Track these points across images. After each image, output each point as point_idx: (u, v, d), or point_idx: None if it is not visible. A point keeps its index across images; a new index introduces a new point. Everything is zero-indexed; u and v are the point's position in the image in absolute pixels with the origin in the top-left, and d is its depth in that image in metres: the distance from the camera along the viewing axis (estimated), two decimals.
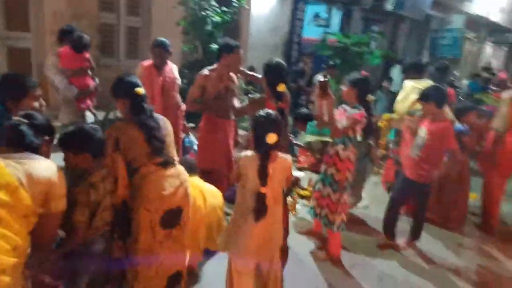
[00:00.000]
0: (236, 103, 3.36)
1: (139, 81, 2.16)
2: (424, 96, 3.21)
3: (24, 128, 1.55)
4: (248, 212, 2.04)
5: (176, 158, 2.16)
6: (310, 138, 4.11)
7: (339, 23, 9.87)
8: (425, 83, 3.83)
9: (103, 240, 1.92)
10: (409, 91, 3.98)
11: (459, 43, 11.57)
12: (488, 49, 15.68)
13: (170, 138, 2.13)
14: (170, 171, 2.03)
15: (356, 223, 3.89)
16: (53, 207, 1.47)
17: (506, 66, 15.61)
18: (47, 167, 1.47)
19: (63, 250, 1.76)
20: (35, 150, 1.53)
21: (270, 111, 2.17)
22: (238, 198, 2.14)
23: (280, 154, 2.13)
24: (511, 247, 3.72)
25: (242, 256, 2.11)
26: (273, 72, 2.84)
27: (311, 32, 9.19)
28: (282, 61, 2.95)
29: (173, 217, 2.02)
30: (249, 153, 2.10)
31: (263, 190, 2.00)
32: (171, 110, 3.63)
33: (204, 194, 2.49)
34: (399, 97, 4.15)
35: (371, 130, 3.25)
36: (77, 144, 1.85)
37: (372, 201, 4.41)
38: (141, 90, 2.06)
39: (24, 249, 1.38)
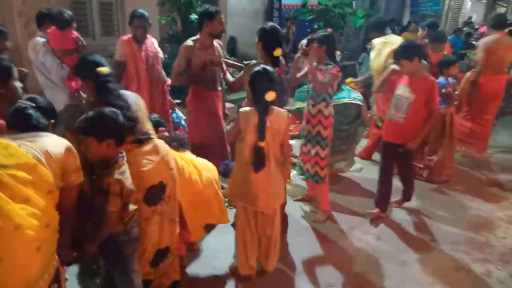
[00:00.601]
0: (229, 76, 3.28)
1: (102, 60, 2.04)
2: (407, 53, 2.99)
3: (31, 110, 1.57)
4: (248, 164, 2.22)
5: (152, 133, 2.08)
6: (299, 104, 4.07)
7: None
8: (394, 38, 3.97)
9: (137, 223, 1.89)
10: (380, 47, 4.04)
11: None
12: (468, 3, 15.57)
13: (142, 113, 2.05)
14: (147, 147, 1.96)
15: (351, 187, 3.92)
16: (73, 180, 1.50)
17: (486, 19, 15.58)
18: (59, 142, 1.48)
19: (96, 240, 1.69)
20: (43, 131, 1.53)
21: (267, 67, 2.27)
22: (238, 152, 2.30)
23: (276, 108, 2.26)
24: (498, 196, 3.83)
25: (250, 203, 2.30)
26: (269, 37, 2.77)
27: None
28: (277, 25, 2.88)
29: (156, 193, 1.98)
30: (247, 108, 2.25)
31: (261, 144, 2.16)
32: (157, 85, 3.50)
33: (199, 168, 2.43)
34: (372, 55, 4.21)
35: (339, 83, 3.27)
36: (102, 130, 1.67)
37: (365, 163, 4.43)
38: (104, 69, 1.96)
39: (54, 226, 1.39)
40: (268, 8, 8.41)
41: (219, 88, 3.43)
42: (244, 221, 2.38)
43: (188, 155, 2.52)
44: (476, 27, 9.76)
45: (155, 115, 2.65)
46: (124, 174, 1.70)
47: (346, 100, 3.75)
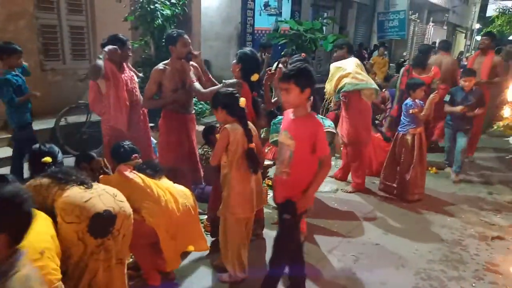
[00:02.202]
0: (197, 84, 3.16)
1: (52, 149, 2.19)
2: (290, 77, 2.16)
3: None
4: (247, 171, 2.41)
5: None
6: (276, 137, 4.06)
7: (289, 10, 9.90)
8: (347, 62, 4.09)
9: None
10: (333, 71, 4.15)
11: (404, 24, 12.05)
12: (431, 29, 16.49)
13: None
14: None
15: (327, 208, 3.92)
16: None
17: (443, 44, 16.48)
18: None
19: None
20: None
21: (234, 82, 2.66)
22: (234, 167, 2.41)
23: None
24: (469, 213, 3.93)
25: (250, 210, 2.49)
26: (249, 61, 2.82)
27: (263, 22, 9.15)
28: (255, 51, 2.95)
29: (103, 223, 1.85)
30: (228, 125, 2.39)
31: (251, 145, 2.40)
32: (137, 108, 3.44)
33: (175, 195, 2.37)
34: (328, 80, 4.29)
35: (316, 108, 3.28)
36: None
37: (341, 184, 4.48)
38: (48, 159, 2.06)
39: None
40: (241, 33, 8.57)
41: (192, 112, 3.41)
42: (239, 232, 2.51)
43: (164, 181, 2.45)
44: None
45: (127, 142, 2.60)
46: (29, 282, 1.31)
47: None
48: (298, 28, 7.45)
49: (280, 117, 3.47)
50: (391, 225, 3.61)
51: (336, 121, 4.40)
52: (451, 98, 4.76)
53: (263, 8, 9.25)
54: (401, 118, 4.21)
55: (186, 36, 3.21)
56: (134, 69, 3.65)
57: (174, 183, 2.54)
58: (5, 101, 3.60)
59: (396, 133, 4.27)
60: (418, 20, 14.81)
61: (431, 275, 2.85)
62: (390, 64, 10.07)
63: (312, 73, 2.23)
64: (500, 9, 17.71)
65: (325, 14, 10.70)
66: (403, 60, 9.89)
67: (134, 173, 2.27)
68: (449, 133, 4.94)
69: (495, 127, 3.15)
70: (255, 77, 2.75)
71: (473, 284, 2.76)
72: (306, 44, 7.31)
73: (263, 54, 6.41)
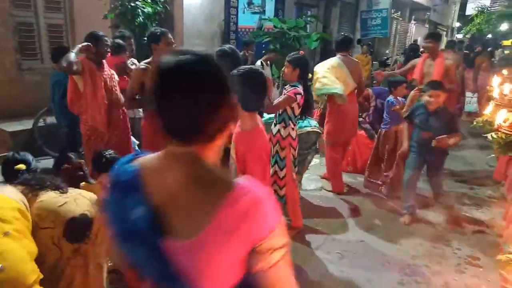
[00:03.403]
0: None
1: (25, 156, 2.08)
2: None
3: None
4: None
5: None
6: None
7: (273, 9, 9.87)
8: (323, 63, 4.01)
9: None
10: (315, 72, 4.09)
11: (386, 23, 12.16)
12: (413, 27, 16.74)
13: None
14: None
15: (312, 206, 3.92)
16: None
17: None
18: None
19: None
20: None
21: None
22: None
23: None
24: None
25: None
26: (229, 59, 2.74)
27: (247, 20, 9.09)
28: (235, 48, 2.89)
29: (79, 227, 1.78)
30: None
31: None
32: (116, 108, 3.36)
33: None
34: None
35: (308, 107, 3.25)
36: None
37: (326, 183, 4.49)
38: (21, 166, 1.96)
39: None
40: (225, 31, 8.50)
41: None
42: None
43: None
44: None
45: (110, 152, 2.52)
46: None
47: (309, 129, 3.80)
48: (282, 26, 7.44)
49: (270, 116, 3.36)
50: (375, 222, 3.63)
51: (322, 119, 4.38)
52: (410, 114, 3.59)
53: (246, 6, 9.20)
54: (384, 116, 4.24)
55: (169, 35, 3.16)
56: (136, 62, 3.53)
57: None
58: None
59: (379, 130, 4.31)
60: (401, 19, 15.00)
61: (415, 270, 2.88)
62: (374, 62, 10.15)
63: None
64: (479, 8, 18.13)
65: (309, 13, 10.70)
66: (386, 58, 9.98)
67: None
68: (413, 159, 3.60)
69: (475, 123, 3.20)
70: None
71: (455, 278, 2.80)
72: (290, 42, 7.30)
73: (246, 52, 6.38)
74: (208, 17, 8.04)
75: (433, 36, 4.65)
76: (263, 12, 9.43)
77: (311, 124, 3.87)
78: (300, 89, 2.98)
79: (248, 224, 0.80)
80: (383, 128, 4.23)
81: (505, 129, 2.37)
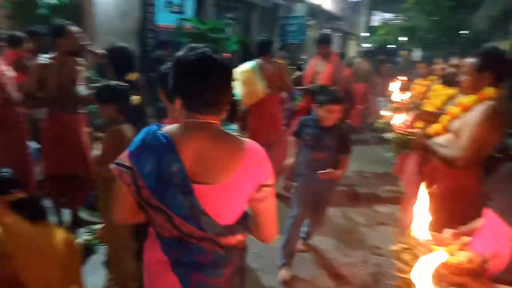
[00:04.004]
0: (84, 90, 2.98)
1: None
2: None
3: None
4: None
5: None
6: None
7: (193, 9, 9.75)
8: (244, 65, 3.97)
9: None
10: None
11: (303, 30, 12.83)
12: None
13: None
14: None
15: None
16: None
17: (342, 50, 18.07)
18: None
19: None
20: None
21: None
22: None
23: None
24: (357, 204, 4.32)
25: None
26: (118, 58, 2.60)
27: (165, 19, 8.84)
28: (127, 46, 2.71)
29: None
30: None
31: None
32: (10, 108, 2.98)
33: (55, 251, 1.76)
34: None
35: (234, 113, 3.20)
36: None
37: None
38: None
39: None
40: (142, 29, 8.17)
41: (81, 111, 3.11)
42: None
43: (46, 231, 1.94)
44: None
45: (6, 170, 2.06)
46: None
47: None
48: (201, 27, 7.37)
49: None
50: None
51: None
52: (298, 129, 2.80)
53: (164, 4, 8.93)
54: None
55: (77, 29, 2.92)
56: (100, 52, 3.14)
57: (65, 191, 2.16)
58: None
59: None
60: (317, 27, 15.90)
61: (326, 263, 3.06)
62: (291, 67, 10.56)
63: None
64: (382, 21, 20.11)
65: (229, 16, 10.79)
66: (302, 63, 10.47)
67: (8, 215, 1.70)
68: (298, 196, 2.79)
69: (377, 124, 3.52)
70: (132, 76, 2.55)
71: (362, 269, 3.02)
72: (210, 44, 7.25)
73: (161, 51, 6.20)
74: (123, 13, 7.65)
75: (322, 41, 4.64)
76: (182, 12, 9.27)
77: (231, 128, 3.84)
78: None
79: (260, 169, 1.20)
80: None
81: (400, 130, 2.61)
